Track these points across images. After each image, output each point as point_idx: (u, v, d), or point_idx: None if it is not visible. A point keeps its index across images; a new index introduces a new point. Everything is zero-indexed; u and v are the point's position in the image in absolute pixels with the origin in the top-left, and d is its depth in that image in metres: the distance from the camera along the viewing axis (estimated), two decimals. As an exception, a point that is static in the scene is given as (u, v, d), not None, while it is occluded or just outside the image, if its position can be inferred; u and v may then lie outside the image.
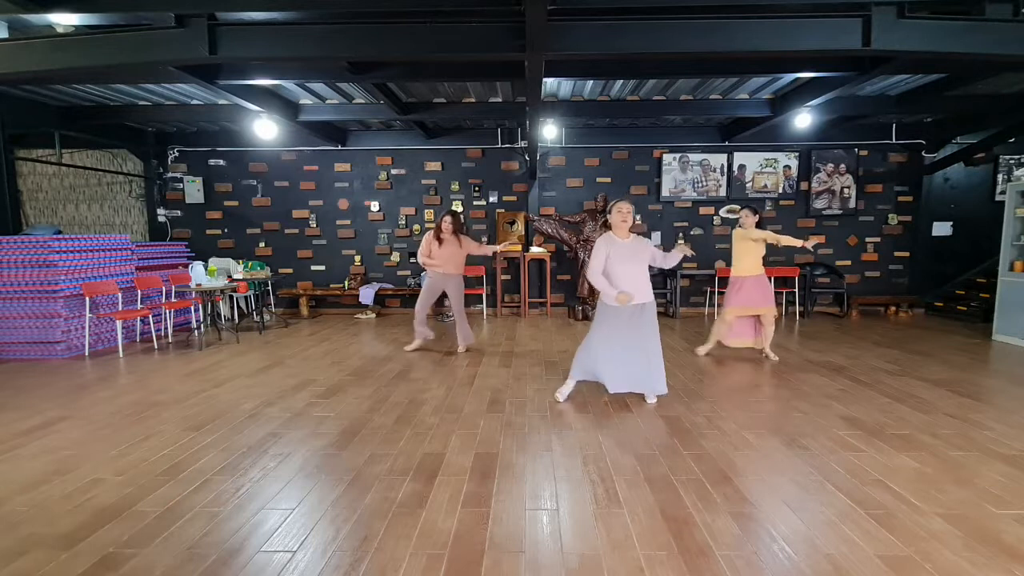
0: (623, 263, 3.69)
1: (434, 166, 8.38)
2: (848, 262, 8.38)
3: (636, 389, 3.86)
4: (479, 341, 6.28)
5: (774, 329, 5.17)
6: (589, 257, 7.49)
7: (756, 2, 3.94)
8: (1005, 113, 6.85)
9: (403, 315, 8.32)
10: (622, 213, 3.71)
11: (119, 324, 5.81)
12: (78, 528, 2.27)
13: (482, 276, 8.44)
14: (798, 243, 4.97)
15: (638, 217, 8.38)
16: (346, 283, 8.33)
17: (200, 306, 6.97)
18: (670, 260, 3.84)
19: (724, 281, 8.11)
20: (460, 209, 8.41)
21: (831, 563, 2.00)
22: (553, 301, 8.51)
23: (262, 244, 8.53)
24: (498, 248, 5.60)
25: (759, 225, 5.02)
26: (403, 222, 8.46)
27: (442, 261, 5.44)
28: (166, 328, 6.74)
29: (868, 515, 2.33)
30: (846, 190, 8.21)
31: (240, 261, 7.46)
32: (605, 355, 3.76)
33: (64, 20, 4.09)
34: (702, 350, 5.32)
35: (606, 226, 7.55)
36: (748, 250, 4.99)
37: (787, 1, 3.95)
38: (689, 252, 3.94)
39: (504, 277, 8.53)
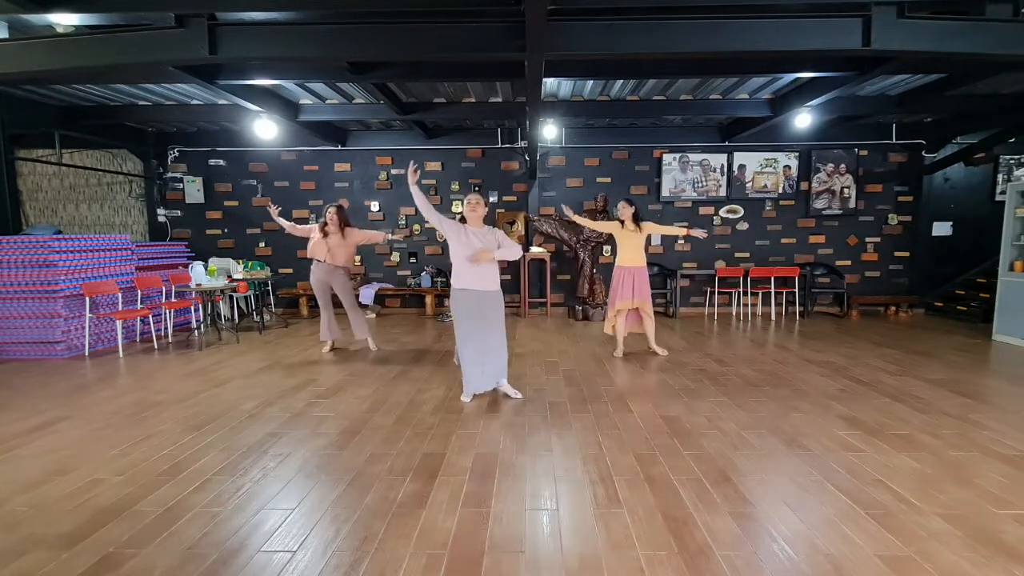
0: (474, 250, 3.86)
1: (434, 166, 8.37)
2: (848, 262, 8.37)
3: (492, 385, 4.04)
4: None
5: (654, 324, 5.38)
6: (589, 256, 7.62)
7: (756, 2, 3.94)
8: (1005, 113, 6.85)
9: (403, 315, 8.33)
10: (470, 204, 3.93)
11: (119, 324, 5.81)
12: (78, 528, 2.27)
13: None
14: (681, 232, 5.31)
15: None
16: (346, 283, 8.33)
17: (200, 306, 6.97)
18: (509, 252, 3.93)
19: (724, 281, 8.21)
20: (460, 209, 8.39)
21: (831, 563, 2.00)
22: (553, 301, 8.51)
23: (262, 244, 8.53)
24: (389, 236, 5.74)
25: (637, 217, 5.23)
26: (403, 222, 8.46)
27: (323, 252, 5.46)
28: (166, 328, 6.74)
29: (868, 515, 2.33)
30: (846, 190, 8.21)
31: (240, 261, 7.46)
32: (468, 354, 3.91)
33: (64, 20, 4.09)
34: (618, 353, 5.37)
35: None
36: (630, 241, 5.20)
37: (787, 1, 3.95)
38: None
39: (504, 277, 8.52)
